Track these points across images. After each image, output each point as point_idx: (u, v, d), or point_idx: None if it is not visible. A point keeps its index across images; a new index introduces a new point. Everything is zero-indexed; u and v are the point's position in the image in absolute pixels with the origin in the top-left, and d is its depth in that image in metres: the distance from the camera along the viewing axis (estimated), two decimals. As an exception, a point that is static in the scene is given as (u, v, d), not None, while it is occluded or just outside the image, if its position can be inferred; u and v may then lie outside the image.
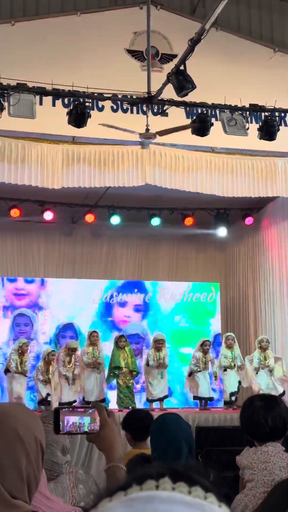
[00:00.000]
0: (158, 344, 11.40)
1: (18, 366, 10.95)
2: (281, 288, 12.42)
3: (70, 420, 1.84)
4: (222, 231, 13.72)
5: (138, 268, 14.17)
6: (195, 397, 11.58)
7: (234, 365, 11.50)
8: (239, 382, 11.44)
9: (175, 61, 9.05)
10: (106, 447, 1.87)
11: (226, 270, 14.52)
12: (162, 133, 8.68)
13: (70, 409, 1.90)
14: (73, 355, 11.15)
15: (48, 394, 10.91)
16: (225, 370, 11.47)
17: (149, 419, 4.99)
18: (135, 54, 10.37)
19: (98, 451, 1.97)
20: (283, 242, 12.45)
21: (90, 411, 1.88)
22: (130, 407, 10.51)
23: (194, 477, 0.78)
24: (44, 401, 10.91)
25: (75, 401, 10.92)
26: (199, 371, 11.42)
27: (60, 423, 1.82)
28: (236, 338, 11.92)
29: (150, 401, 11.34)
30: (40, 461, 1.74)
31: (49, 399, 10.87)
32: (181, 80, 8.07)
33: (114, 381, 11.33)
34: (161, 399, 11.27)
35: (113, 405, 11.07)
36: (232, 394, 11.35)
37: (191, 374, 11.58)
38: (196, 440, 7.53)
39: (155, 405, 11.21)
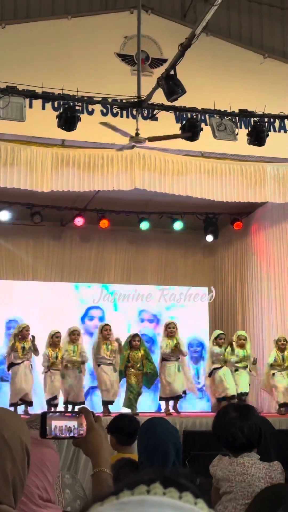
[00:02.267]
0: (170, 329, 10.84)
1: (20, 352, 10.21)
2: (269, 293, 12.46)
3: (57, 424, 1.83)
4: (211, 236, 13.74)
5: (127, 272, 14.17)
6: (219, 399, 10.71)
7: (246, 365, 11.05)
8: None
9: (165, 65, 9.07)
10: (93, 452, 1.86)
11: (214, 275, 14.55)
12: (153, 139, 8.69)
13: (57, 413, 1.90)
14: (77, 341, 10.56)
15: (55, 397, 10.26)
16: (236, 370, 10.97)
17: (135, 424, 5.00)
18: (126, 58, 10.39)
19: (85, 455, 1.96)
20: (271, 247, 12.50)
21: (77, 415, 1.88)
22: (131, 412, 10.00)
23: (185, 484, 0.79)
24: (51, 402, 10.21)
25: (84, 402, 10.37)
26: (221, 367, 10.90)
27: (47, 427, 1.82)
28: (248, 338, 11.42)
29: (162, 399, 10.83)
30: (26, 465, 1.74)
31: (55, 402, 10.24)
32: (171, 85, 8.09)
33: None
34: (175, 398, 10.71)
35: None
36: (242, 394, 10.80)
37: (211, 373, 10.99)
38: (183, 444, 7.52)
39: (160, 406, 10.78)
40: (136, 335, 10.97)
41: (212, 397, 11.34)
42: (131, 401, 10.43)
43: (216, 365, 11.02)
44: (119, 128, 8.45)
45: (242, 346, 11.14)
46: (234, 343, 11.19)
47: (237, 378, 10.93)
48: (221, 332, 11.50)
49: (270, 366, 10.91)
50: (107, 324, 10.90)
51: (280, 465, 3.13)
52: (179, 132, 9.18)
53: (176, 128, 9.33)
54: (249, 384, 11.03)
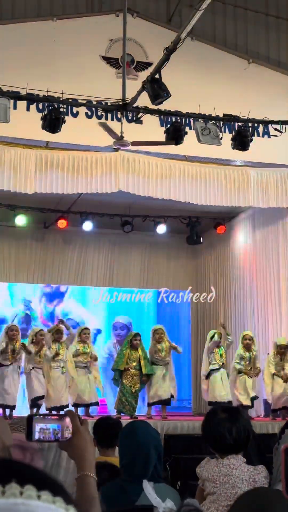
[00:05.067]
0: (158, 335, 10.69)
1: (10, 354, 9.88)
2: (251, 298, 12.50)
3: (43, 427, 1.83)
4: (193, 239, 13.76)
5: (109, 275, 14.16)
6: (210, 403, 10.40)
7: (251, 368, 10.54)
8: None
9: (150, 69, 9.09)
10: (78, 456, 1.85)
11: (197, 278, 14.58)
12: (136, 143, 8.70)
13: (43, 416, 1.89)
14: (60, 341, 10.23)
15: (41, 397, 9.96)
16: (239, 372, 10.55)
17: (118, 427, 4.98)
18: (111, 61, 10.39)
19: (66, 460, 1.96)
20: (253, 252, 12.56)
21: (63, 418, 1.87)
22: (130, 417, 9.81)
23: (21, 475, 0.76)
24: (36, 402, 9.91)
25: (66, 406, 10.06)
26: (218, 368, 10.64)
27: (33, 430, 1.81)
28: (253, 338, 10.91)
29: (149, 404, 10.65)
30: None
31: (40, 402, 9.95)
32: (156, 89, 8.11)
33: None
34: (163, 402, 10.52)
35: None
36: (253, 398, 10.46)
37: (209, 375, 10.73)
38: (164, 448, 7.54)
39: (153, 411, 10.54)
40: (137, 334, 10.80)
41: (207, 397, 10.98)
42: (123, 404, 10.23)
43: (213, 366, 10.75)
44: (111, 131, 8.45)
45: (248, 348, 10.67)
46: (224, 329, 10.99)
47: (241, 381, 10.53)
48: (217, 331, 11.19)
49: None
50: (86, 328, 10.84)
51: (265, 469, 3.15)
52: (163, 136, 9.20)
53: (160, 132, 9.35)
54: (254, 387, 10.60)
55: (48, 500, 0.74)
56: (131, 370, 10.36)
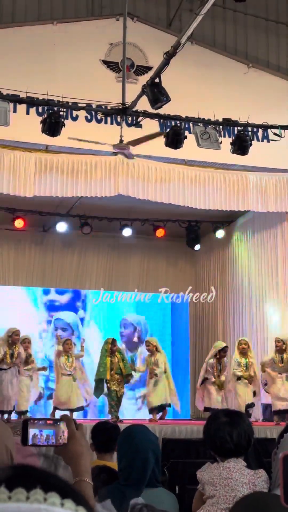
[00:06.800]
0: (147, 347, 10.98)
1: (8, 359, 9.87)
2: (250, 302, 12.49)
3: (38, 432, 1.82)
4: (193, 243, 13.76)
5: (108, 279, 14.15)
6: (206, 409, 10.63)
7: (248, 374, 10.55)
8: (254, 393, 10.59)
9: (150, 73, 9.10)
10: (73, 461, 1.84)
11: (196, 282, 14.57)
12: (134, 143, 8.71)
13: (39, 420, 1.88)
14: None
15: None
16: (238, 379, 10.55)
17: (115, 431, 4.97)
18: (111, 65, 10.40)
19: (62, 465, 1.95)
20: (252, 256, 12.55)
21: (59, 423, 1.86)
22: (116, 419, 10.02)
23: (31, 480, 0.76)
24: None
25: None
26: (214, 380, 10.74)
27: (29, 435, 1.80)
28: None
29: (150, 410, 10.86)
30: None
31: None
32: (156, 93, 8.11)
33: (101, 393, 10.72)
34: (159, 408, 10.72)
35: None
36: (248, 406, 10.40)
37: (203, 382, 10.91)
38: (162, 452, 7.51)
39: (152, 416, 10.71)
40: (114, 340, 11.00)
41: (201, 405, 11.14)
42: (112, 407, 10.48)
43: (210, 378, 10.84)
44: (92, 140, 8.49)
45: (244, 354, 10.68)
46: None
47: (239, 388, 10.55)
48: (225, 345, 11.19)
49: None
50: (68, 339, 11.02)
51: (265, 474, 3.13)
52: (163, 140, 9.20)
53: (157, 131, 9.34)
54: (254, 394, 10.59)
55: (71, 508, 0.75)
56: (115, 376, 10.56)
